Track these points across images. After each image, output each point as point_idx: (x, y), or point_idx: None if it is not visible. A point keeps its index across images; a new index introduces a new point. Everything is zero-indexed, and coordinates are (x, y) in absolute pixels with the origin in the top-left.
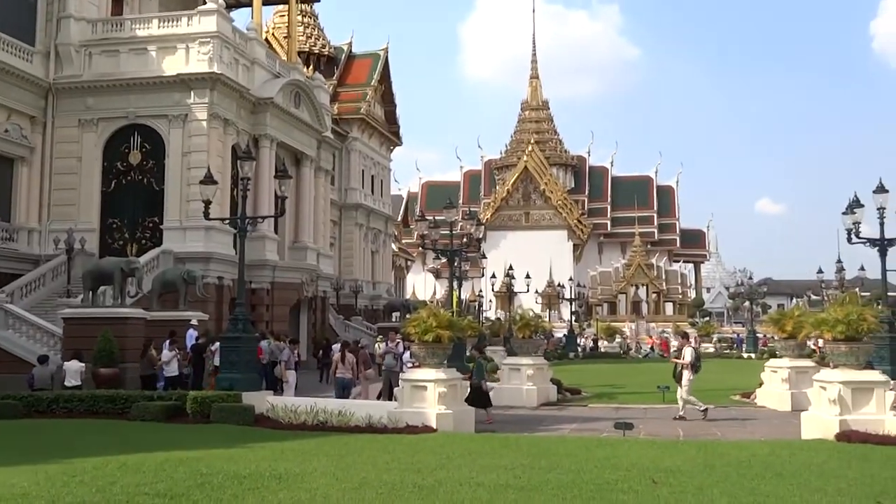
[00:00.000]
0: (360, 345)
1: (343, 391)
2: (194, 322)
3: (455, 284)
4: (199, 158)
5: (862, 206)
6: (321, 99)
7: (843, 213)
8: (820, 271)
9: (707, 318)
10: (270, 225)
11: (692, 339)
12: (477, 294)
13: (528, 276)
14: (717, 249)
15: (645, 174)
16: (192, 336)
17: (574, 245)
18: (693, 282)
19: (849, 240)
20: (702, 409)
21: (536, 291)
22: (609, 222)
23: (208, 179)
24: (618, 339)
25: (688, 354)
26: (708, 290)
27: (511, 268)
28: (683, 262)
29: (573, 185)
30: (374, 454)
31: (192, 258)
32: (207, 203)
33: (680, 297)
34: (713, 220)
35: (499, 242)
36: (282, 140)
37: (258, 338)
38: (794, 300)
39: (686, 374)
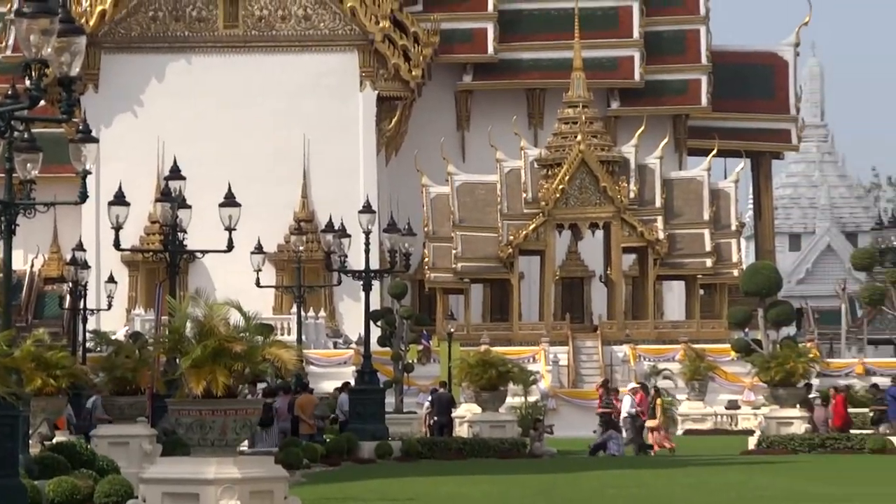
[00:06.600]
0: None
1: None
2: None
3: None
4: None
5: None
6: None
7: None
8: None
9: (792, 334)
10: None
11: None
12: (69, 260)
13: (229, 200)
14: (822, 116)
15: None
16: None
17: (382, 99)
18: (751, 214)
19: None
20: None
21: (259, 250)
22: (492, 30)
23: None
24: (514, 398)
25: None
26: (794, 239)
27: (177, 171)
28: (720, 153)
29: None
30: None
31: None
32: None
33: (707, 259)
34: (808, 29)
35: (139, 90)
36: None
37: None
38: None
39: None
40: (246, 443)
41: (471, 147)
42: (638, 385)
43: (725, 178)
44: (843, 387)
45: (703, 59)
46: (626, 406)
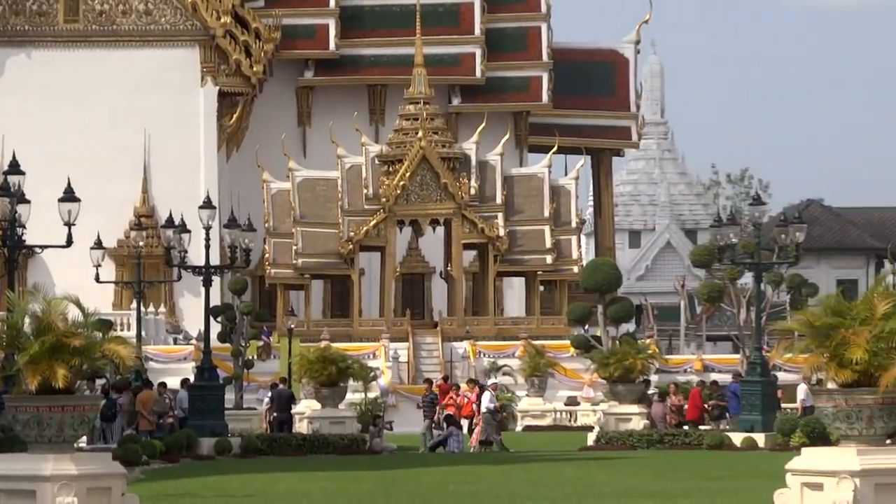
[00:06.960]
0: None
1: None
2: None
3: None
4: None
5: None
6: None
7: None
8: None
9: (632, 330)
10: None
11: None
12: None
13: (69, 195)
14: (662, 114)
15: None
16: None
17: (223, 94)
18: (591, 210)
19: None
20: None
21: (99, 245)
22: (333, 26)
23: None
24: (354, 394)
25: None
26: (633, 236)
27: (16, 166)
28: (561, 150)
29: None
30: None
31: None
32: None
33: (547, 256)
34: (649, 27)
35: None
36: None
37: None
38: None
39: None
40: (84, 439)
41: (312, 143)
42: (496, 381)
43: (566, 174)
44: (699, 381)
45: (545, 57)
46: (486, 401)
